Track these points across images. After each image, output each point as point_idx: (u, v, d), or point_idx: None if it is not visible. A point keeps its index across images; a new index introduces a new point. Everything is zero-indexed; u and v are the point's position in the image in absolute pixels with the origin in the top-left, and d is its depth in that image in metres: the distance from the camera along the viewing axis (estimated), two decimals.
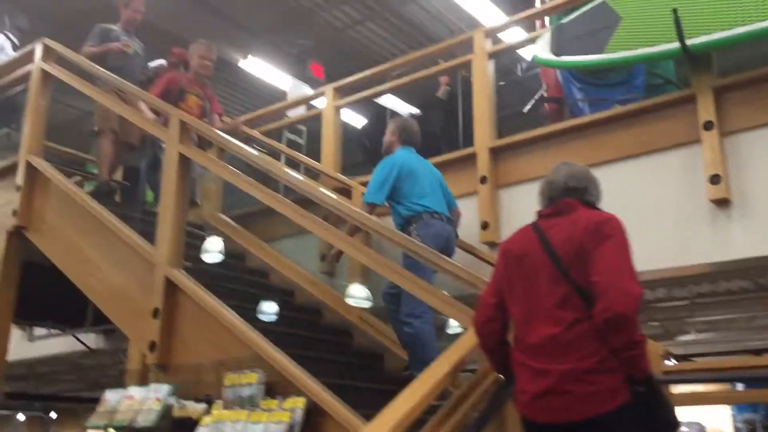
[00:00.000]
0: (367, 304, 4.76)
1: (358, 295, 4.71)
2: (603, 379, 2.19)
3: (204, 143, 4.87)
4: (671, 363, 3.77)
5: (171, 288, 3.74)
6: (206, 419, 3.07)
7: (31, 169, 4.79)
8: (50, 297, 5.31)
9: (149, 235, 4.03)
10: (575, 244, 2.35)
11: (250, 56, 10.32)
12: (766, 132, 3.77)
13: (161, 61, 6.03)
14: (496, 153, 4.80)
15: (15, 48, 6.95)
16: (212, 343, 3.51)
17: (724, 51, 4.08)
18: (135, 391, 3.48)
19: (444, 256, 3.36)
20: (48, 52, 5.09)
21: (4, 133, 6.63)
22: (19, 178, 4.79)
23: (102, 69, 4.87)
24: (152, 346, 3.66)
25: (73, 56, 5.00)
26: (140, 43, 5.90)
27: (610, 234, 2.33)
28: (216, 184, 6.06)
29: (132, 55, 5.63)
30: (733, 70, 4.02)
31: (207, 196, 5.99)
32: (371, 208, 4.28)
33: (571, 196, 2.56)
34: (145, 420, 3.26)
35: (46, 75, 5.05)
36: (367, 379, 4.18)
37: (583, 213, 2.47)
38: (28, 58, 5.25)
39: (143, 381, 3.72)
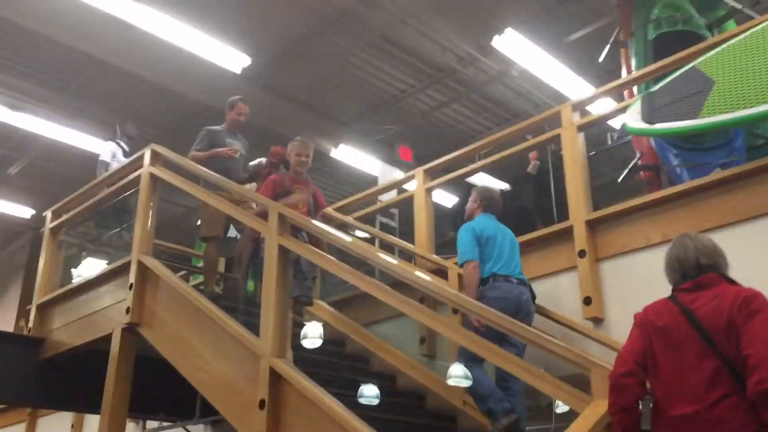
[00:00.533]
0: (467, 383, 4.66)
1: (456, 374, 4.63)
2: None
3: (315, 240, 4.79)
4: None
5: (276, 378, 3.78)
6: None
7: (141, 267, 5.04)
8: (162, 390, 5.44)
9: (252, 325, 4.13)
10: (723, 318, 2.39)
11: (341, 145, 10.65)
12: None
13: (261, 159, 6.18)
14: (593, 225, 4.70)
15: (125, 154, 7.48)
16: None
17: None
18: None
19: (549, 336, 3.25)
20: (156, 157, 5.42)
21: (117, 232, 7.06)
22: (132, 276, 5.04)
23: (209, 171, 5.12)
24: None
25: (179, 160, 5.30)
26: (245, 142, 6.19)
27: (760, 308, 2.36)
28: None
29: (237, 157, 5.92)
30: None
31: None
32: (470, 265, 4.43)
33: (710, 272, 2.61)
34: None
35: (154, 178, 5.37)
36: None
37: (726, 288, 2.51)
38: (138, 163, 5.61)
39: None
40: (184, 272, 7.47)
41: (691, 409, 2.33)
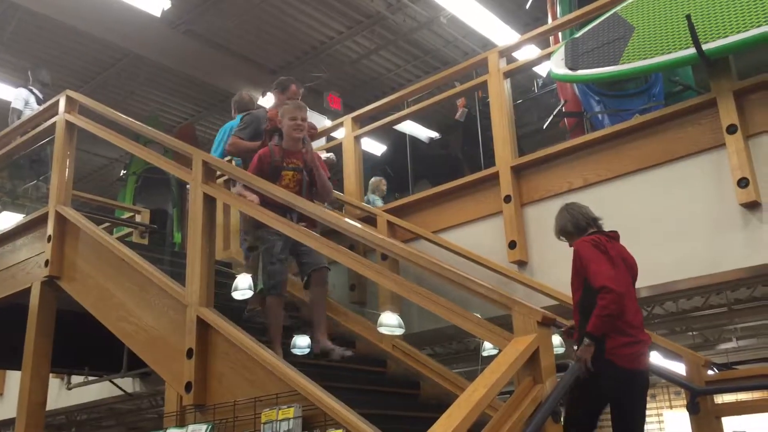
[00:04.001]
0: (399, 332, 4.74)
1: (390, 323, 4.69)
2: None
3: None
4: (713, 372, 3.70)
5: (203, 327, 3.76)
6: None
7: (60, 218, 4.87)
8: (86, 344, 5.34)
9: (180, 276, 4.07)
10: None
11: (269, 93, 10.44)
12: None
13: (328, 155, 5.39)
14: (518, 171, 4.78)
15: (39, 102, 7.12)
16: (248, 381, 3.50)
17: (742, 53, 4.05)
18: None
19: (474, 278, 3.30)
20: (71, 103, 5.19)
21: (33, 184, 6.77)
22: (50, 228, 4.87)
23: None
24: (188, 387, 3.65)
25: (97, 107, 5.09)
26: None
27: None
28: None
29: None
30: (753, 72, 3.97)
31: (234, 233, 6.03)
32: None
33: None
34: None
35: (70, 126, 5.15)
36: (404, 407, 4.14)
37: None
38: (53, 110, 5.36)
39: (181, 422, 3.71)
40: (107, 224, 7.28)
41: (646, 337, 3.22)
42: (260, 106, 6.28)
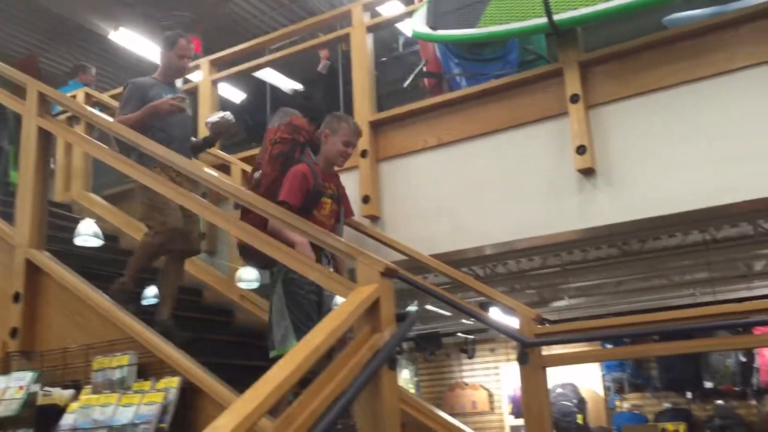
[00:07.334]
0: (255, 286, 4.69)
1: (248, 278, 4.64)
2: None
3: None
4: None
5: (33, 271, 3.52)
6: (73, 405, 2.92)
7: None
8: None
9: (12, 217, 3.78)
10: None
11: (122, 28, 9.80)
12: (627, 104, 3.97)
13: (224, 114, 4.34)
14: (376, 127, 4.81)
15: None
16: (81, 327, 3.34)
17: (592, 27, 4.27)
18: None
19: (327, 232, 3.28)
20: None
21: None
22: None
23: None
24: (13, 333, 3.44)
25: None
26: (186, 97, 4.45)
27: None
28: (85, 160, 5.76)
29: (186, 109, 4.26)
30: (602, 47, 4.20)
31: (75, 175, 5.68)
32: None
33: None
34: (6, 410, 3.06)
35: None
36: (248, 356, 4.11)
37: None
38: None
39: (5, 369, 3.48)
40: None
41: None
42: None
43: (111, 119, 4.07)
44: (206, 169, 4.39)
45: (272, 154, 3.72)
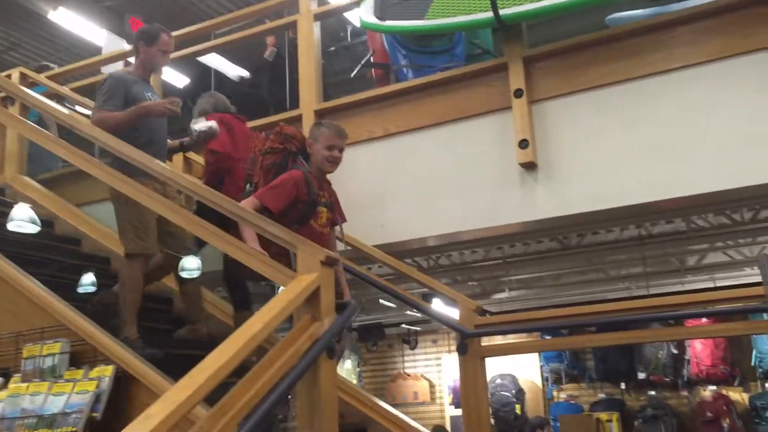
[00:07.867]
0: (197, 274, 4.61)
1: (190, 267, 4.55)
2: None
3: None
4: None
5: None
6: (2, 394, 2.83)
7: None
8: None
9: None
10: None
11: (61, 8, 9.48)
12: (569, 101, 4.05)
13: (210, 124, 3.99)
14: (321, 116, 4.78)
15: None
16: (11, 314, 3.23)
17: (538, 24, 4.33)
18: None
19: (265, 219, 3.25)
20: None
21: None
22: None
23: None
24: None
25: None
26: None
27: None
28: (19, 143, 5.56)
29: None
30: (546, 43, 4.26)
31: (8, 157, 5.48)
32: None
33: None
34: None
35: None
36: (189, 347, 4.05)
37: None
38: None
39: None
40: None
41: None
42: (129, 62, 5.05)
43: (46, 100, 3.94)
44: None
45: (264, 165, 3.56)
